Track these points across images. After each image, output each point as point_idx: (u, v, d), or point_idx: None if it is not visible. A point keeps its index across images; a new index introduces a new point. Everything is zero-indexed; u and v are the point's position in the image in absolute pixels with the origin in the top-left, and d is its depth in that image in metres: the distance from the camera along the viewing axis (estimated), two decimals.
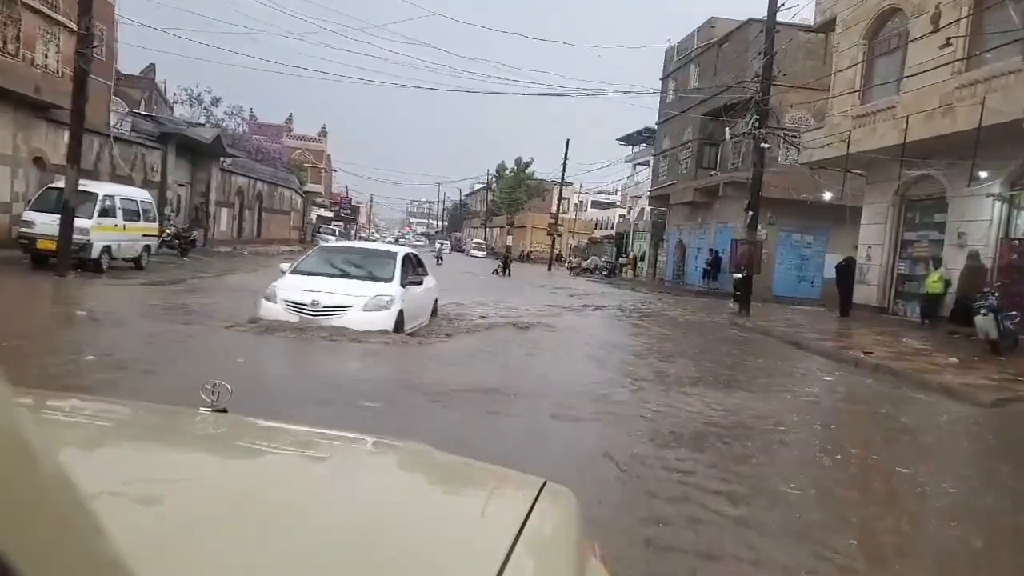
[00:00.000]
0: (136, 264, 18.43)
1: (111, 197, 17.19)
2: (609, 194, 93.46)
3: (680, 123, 36.71)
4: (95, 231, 16.18)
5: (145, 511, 0.98)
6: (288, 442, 1.63)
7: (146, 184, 25.14)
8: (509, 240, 77.11)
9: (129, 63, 45.21)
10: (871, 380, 10.43)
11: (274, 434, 1.70)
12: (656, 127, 41.08)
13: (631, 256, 44.73)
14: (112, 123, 23.50)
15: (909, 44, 16.02)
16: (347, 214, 76.13)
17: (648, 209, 57.22)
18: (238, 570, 0.89)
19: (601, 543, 1.45)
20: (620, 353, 11.78)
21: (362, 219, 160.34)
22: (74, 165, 14.93)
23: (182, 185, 29.78)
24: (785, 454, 6.13)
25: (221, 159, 31.69)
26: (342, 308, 9.83)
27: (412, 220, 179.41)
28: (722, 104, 29.88)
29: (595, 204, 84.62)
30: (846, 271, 19.99)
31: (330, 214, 69.69)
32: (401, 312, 10.33)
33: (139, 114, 25.91)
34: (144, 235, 18.47)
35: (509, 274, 35.35)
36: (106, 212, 16.79)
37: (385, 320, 9.98)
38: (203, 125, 32.15)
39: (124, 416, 1.66)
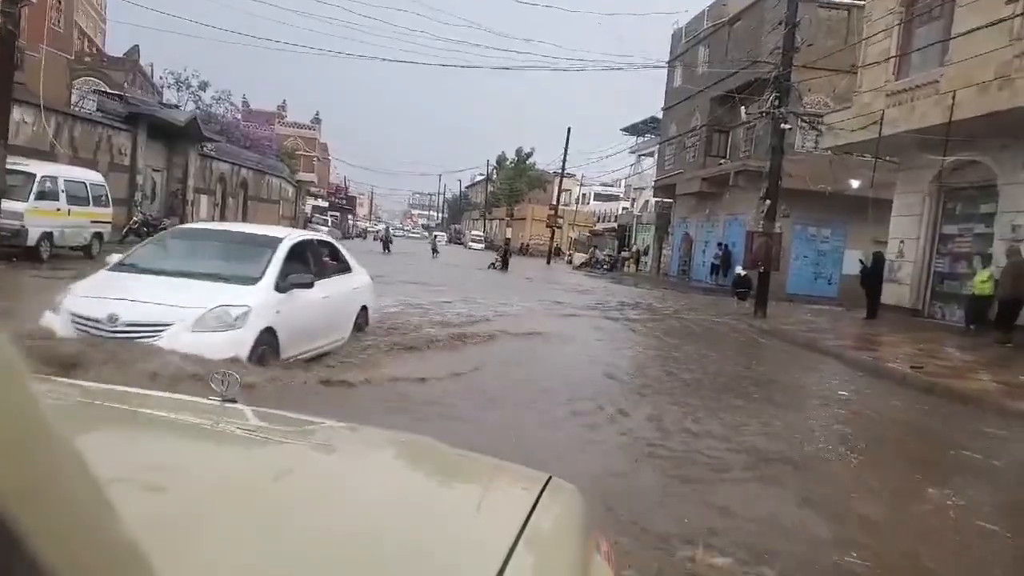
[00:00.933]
0: (86, 253, 16.56)
1: (52, 179, 15.31)
2: (612, 187, 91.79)
3: (687, 109, 34.74)
4: (31, 215, 14.32)
5: (153, 499, 0.98)
6: (296, 433, 1.61)
7: (114, 168, 23.25)
8: (508, 232, 75.31)
9: (122, 47, 43.20)
10: (928, 406, 8.51)
11: (282, 424, 1.69)
12: (661, 113, 39.05)
13: (634, 250, 42.82)
14: (73, 101, 21.59)
15: (956, 8, 14.05)
16: (343, 204, 74.09)
17: (652, 201, 55.31)
18: (242, 559, 0.89)
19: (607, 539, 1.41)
20: (625, 376, 9.88)
21: (363, 210, 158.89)
22: (1, 141, 13.04)
23: (157, 170, 27.88)
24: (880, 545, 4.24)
25: (200, 144, 29.77)
26: (156, 327, 6.23)
27: (414, 212, 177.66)
28: (734, 87, 27.95)
29: (598, 197, 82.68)
30: (874, 268, 18.07)
31: (326, 204, 67.71)
32: (272, 331, 6.76)
33: (106, 93, 24.03)
34: (94, 221, 16.59)
35: (507, 268, 33.36)
36: (45, 195, 14.92)
37: (231, 344, 6.24)
38: (178, 107, 30.20)
39: (133, 404, 1.62)
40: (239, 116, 44.77)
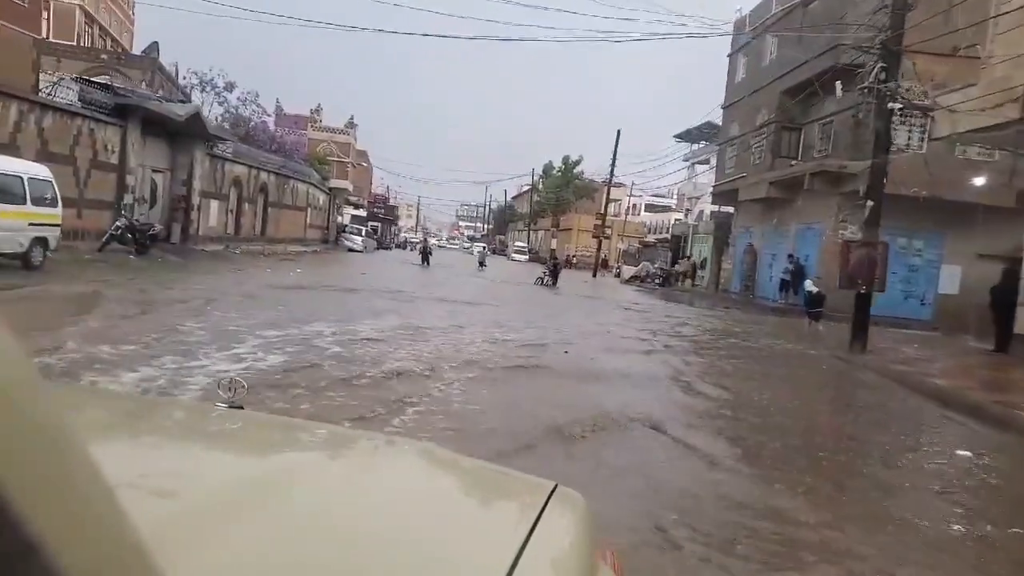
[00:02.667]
0: (24, 262, 13.67)
1: None
2: (664, 197, 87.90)
3: (752, 105, 30.86)
4: None
5: (160, 504, 0.98)
6: (302, 439, 1.59)
7: (98, 166, 20.54)
8: (553, 243, 71.82)
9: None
10: None
11: (288, 430, 1.69)
12: (721, 114, 35.18)
13: (689, 262, 38.86)
14: (43, 88, 18.89)
15: None
16: (380, 214, 71.38)
17: (708, 210, 51.21)
18: (246, 564, 0.89)
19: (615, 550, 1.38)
20: (700, 431, 6.35)
21: (410, 221, 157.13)
22: None
23: (158, 171, 25.20)
24: None
25: (208, 143, 27.03)
26: None
27: (461, 223, 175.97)
28: (809, 76, 24.08)
29: (649, 208, 78.73)
30: (1004, 289, 14.13)
31: (364, 214, 65.12)
32: None
33: (89, 81, 21.40)
34: (33, 223, 13.66)
35: (556, 283, 29.68)
36: None
37: None
38: (183, 101, 27.51)
39: (139, 409, 1.66)
40: (267, 119, 42.21)
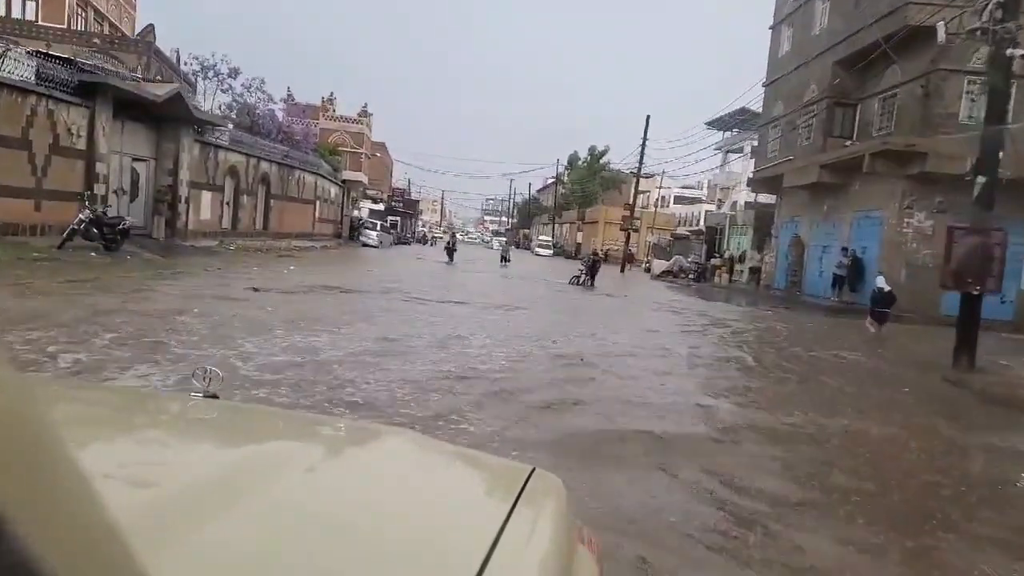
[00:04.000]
0: None
1: None
2: (694, 188, 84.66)
3: (799, 80, 27.76)
4: None
5: (136, 494, 0.97)
6: (277, 428, 1.60)
7: (60, 152, 18.13)
8: (579, 237, 68.82)
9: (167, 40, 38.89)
10: None
11: (264, 419, 1.69)
12: (761, 92, 32.05)
13: (726, 256, 35.80)
14: None
15: None
16: (398, 208, 68.79)
17: (744, 200, 47.90)
18: (228, 554, 0.88)
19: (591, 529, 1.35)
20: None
21: (433, 216, 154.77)
22: None
23: (140, 160, 22.79)
24: None
25: (196, 128, 24.57)
26: None
27: (486, 218, 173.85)
28: (870, 42, 21.05)
29: (678, 200, 75.49)
30: None
31: (381, 207, 62.63)
32: None
33: (46, 55, 18.93)
34: None
35: (593, 284, 25.60)
36: None
37: None
38: (160, 80, 24.98)
39: (114, 400, 1.65)
40: (273, 107, 39.75)
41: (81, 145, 18.90)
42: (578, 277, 26.07)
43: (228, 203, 28.04)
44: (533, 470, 1.35)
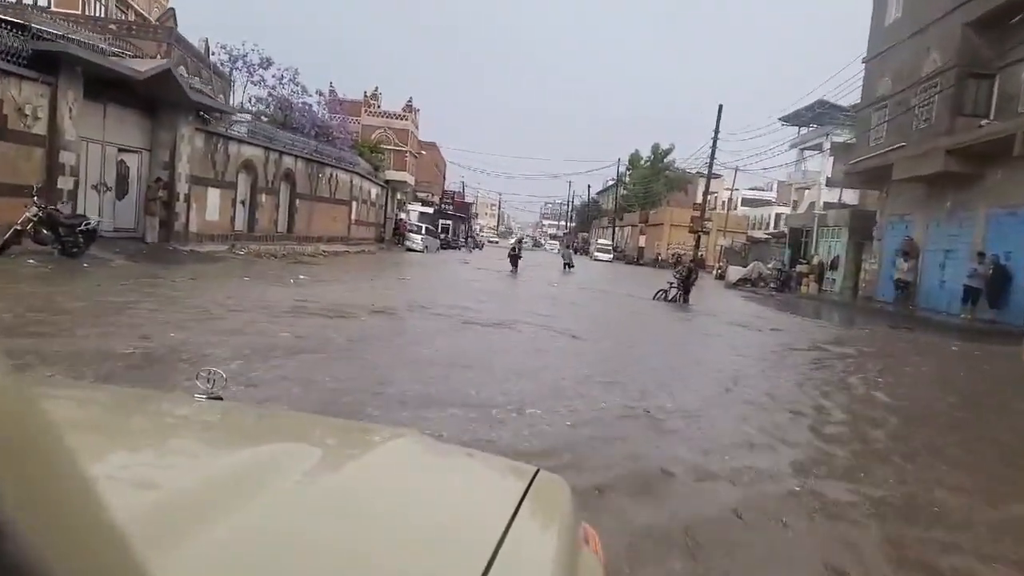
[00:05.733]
0: None
1: None
2: (763, 190, 79.45)
3: (914, 51, 22.94)
4: None
5: (140, 497, 0.95)
6: (283, 429, 1.57)
7: (10, 137, 14.89)
8: (642, 240, 64.21)
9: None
10: None
11: (268, 421, 1.68)
12: (863, 68, 27.19)
13: (815, 262, 30.96)
14: None
15: None
16: (448, 211, 65.16)
17: (824, 199, 42.77)
18: (230, 556, 0.88)
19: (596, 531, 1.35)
20: None
21: (490, 221, 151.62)
22: None
23: (129, 151, 19.58)
24: None
25: (200, 115, 21.30)
26: None
27: (545, 222, 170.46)
28: None
29: (746, 203, 70.26)
30: None
31: (430, 210, 59.19)
32: None
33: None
34: None
35: (687, 301, 20.24)
36: None
37: None
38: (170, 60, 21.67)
39: (117, 402, 1.61)
40: (308, 100, 36.48)
41: (39, 129, 15.63)
42: (665, 291, 20.53)
43: (243, 202, 24.73)
44: (538, 471, 1.35)
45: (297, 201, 28.74)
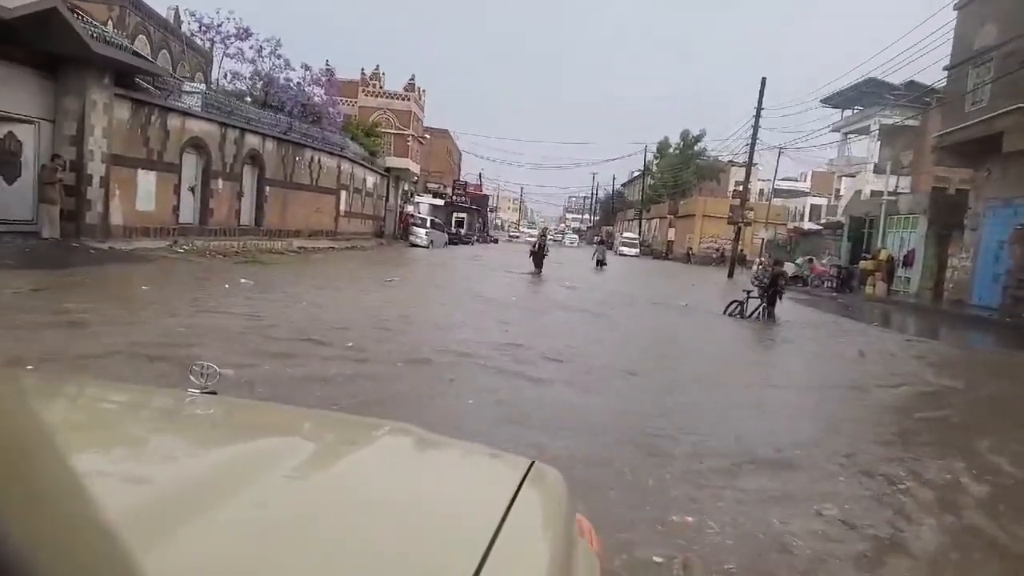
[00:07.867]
0: None
1: None
2: (795, 180, 74.43)
3: None
4: None
5: (131, 492, 0.95)
6: (278, 423, 1.56)
7: None
8: (671, 233, 59.18)
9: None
10: None
11: (262, 416, 1.66)
12: (956, 15, 22.08)
13: (882, 257, 25.90)
14: None
15: None
16: (462, 203, 60.50)
17: (870, 189, 37.53)
18: (225, 551, 0.87)
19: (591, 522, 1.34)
20: None
21: (511, 215, 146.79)
22: None
23: (20, 121, 15.25)
24: None
25: (113, 76, 16.86)
26: None
27: (568, 215, 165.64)
28: None
29: (778, 193, 65.10)
30: None
31: (440, 203, 54.64)
32: None
33: None
34: None
35: (773, 316, 15.48)
36: None
37: None
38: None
39: (112, 397, 1.57)
40: (290, 77, 31.86)
41: None
42: (741, 303, 15.30)
43: (191, 189, 20.29)
44: (533, 463, 1.33)
45: (267, 189, 24.29)
